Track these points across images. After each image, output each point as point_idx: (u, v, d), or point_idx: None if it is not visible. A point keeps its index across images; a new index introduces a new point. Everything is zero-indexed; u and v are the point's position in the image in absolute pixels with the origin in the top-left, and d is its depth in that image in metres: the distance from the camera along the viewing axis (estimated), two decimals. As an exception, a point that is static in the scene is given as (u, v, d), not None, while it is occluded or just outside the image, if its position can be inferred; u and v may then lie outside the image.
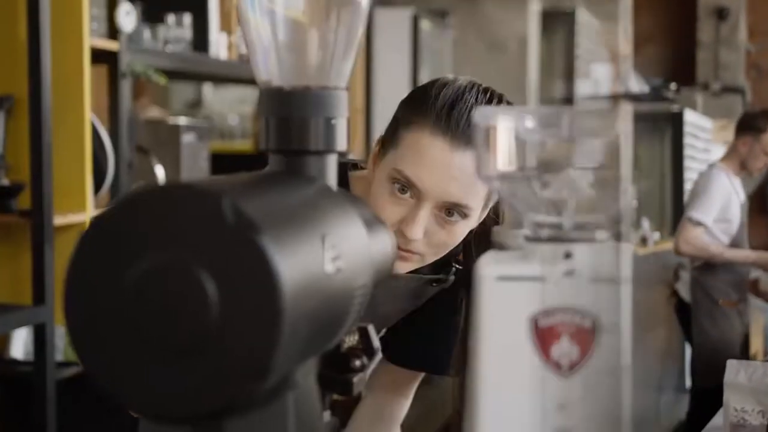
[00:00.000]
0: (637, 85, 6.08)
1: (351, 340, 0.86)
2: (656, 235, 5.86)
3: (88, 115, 2.48)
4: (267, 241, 0.60)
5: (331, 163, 0.80)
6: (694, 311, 4.34)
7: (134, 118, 3.39)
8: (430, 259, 1.33)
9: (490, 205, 1.36)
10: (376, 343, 0.87)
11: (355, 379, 0.84)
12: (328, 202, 0.74)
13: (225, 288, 0.60)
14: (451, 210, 1.28)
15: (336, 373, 0.85)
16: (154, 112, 4.50)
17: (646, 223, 6.06)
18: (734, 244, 4.33)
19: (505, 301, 0.68)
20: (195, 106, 5.52)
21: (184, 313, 0.60)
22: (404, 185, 1.28)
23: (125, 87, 2.68)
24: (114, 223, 0.62)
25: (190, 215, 0.61)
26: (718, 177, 4.34)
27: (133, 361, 0.62)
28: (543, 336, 0.67)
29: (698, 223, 4.22)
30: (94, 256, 0.62)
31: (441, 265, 1.47)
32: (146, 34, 2.89)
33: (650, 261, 5.15)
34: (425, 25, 5.11)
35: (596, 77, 5.76)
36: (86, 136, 2.46)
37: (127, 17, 2.63)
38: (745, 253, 4.38)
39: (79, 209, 2.47)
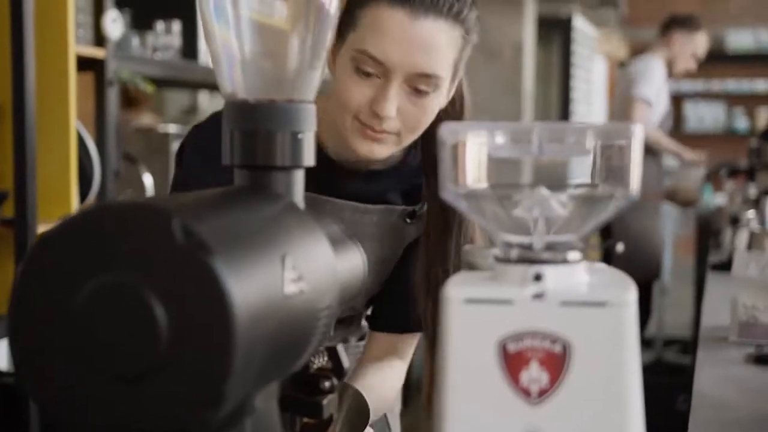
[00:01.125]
0: None
1: (320, 360, 0.83)
2: None
3: (74, 123, 2.45)
4: (219, 262, 0.57)
5: (299, 178, 0.77)
6: None
7: (124, 126, 3.37)
8: (406, 139, 1.30)
9: (459, 77, 1.34)
10: (346, 362, 0.85)
11: (325, 402, 0.82)
12: (292, 220, 0.72)
13: (175, 312, 0.57)
14: (420, 83, 1.25)
15: (305, 395, 0.82)
16: (147, 119, 4.48)
17: None
18: (661, 128, 4.36)
19: (473, 324, 0.65)
20: (190, 112, 5.50)
21: (133, 338, 0.57)
22: (369, 66, 1.25)
23: (112, 95, 2.65)
24: (61, 243, 0.59)
25: (139, 235, 0.58)
26: (658, 63, 4.37)
27: (81, 387, 0.59)
28: (512, 361, 0.64)
29: (646, 101, 4.21)
30: (41, 277, 0.60)
31: (412, 199, 1.43)
32: (134, 41, 2.86)
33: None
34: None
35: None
36: (71, 143, 2.43)
37: (114, 24, 2.60)
38: (679, 147, 4.45)
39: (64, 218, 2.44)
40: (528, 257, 0.66)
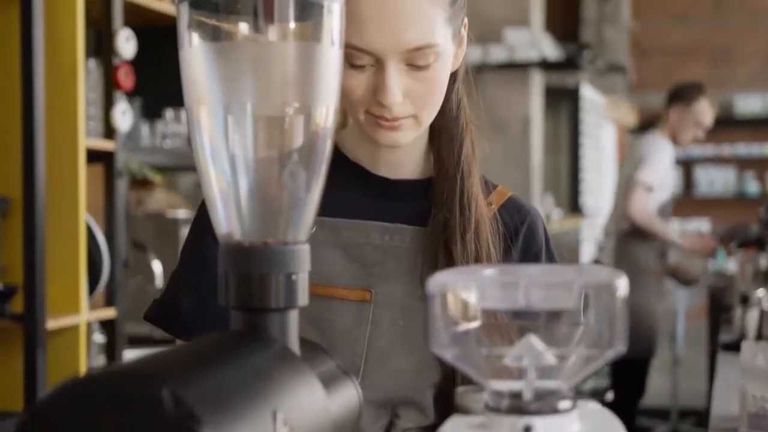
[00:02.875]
0: (551, 50, 5.87)
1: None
2: (558, 212, 5.93)
3: (83, 216, 2.47)
4: (208, 431, 0.58)
5: (293, 318, 0.79)
6: None
7: (135, 207, 3.39)
8: (426, 118, 1.21)
9: (460, 33, 1.24)
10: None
11: None
12: (284, 368, 0.72)
13: (164, 481, 0.58)
14: (418, 58, 1.15)
15: None
16: (160, 197, 4.51)
17: (549, 199, 6.04)
18: (660, 213, 4.34)
19: (464, 477, 0.65)
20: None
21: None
22: (358, 58, 1.15)
23: (121, 186, 2.68)
24: (51, 413, 0.60)
25: (129, 404, 0.59)
26: (663, 142, 4.37)
27: None
28: None
29: (648, 188, 4.20)
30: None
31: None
32: (144, 129, 2.90)
33: (557, 240, 5.38)
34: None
35: (511, 43, 5.57)
36: (81, 237, 2.45)
37: (123, 117, 2.64)
38: (680, 239, 4.42)
39: (73, 311, 2.45)
40: (518, 407, 0.67)
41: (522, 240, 1.31)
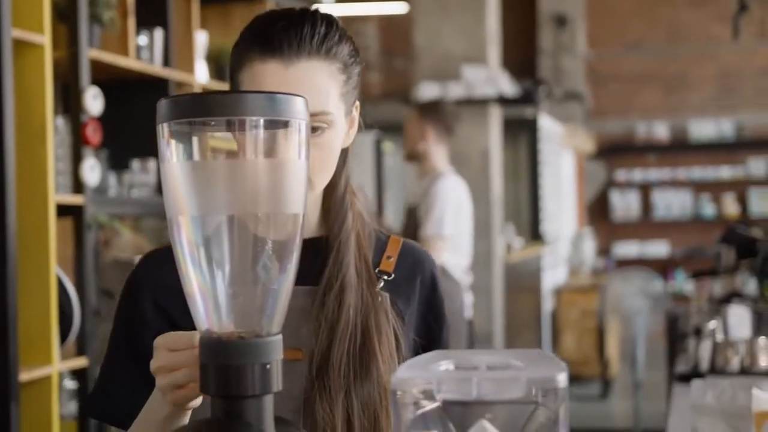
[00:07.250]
0: (508, 86, 5.93)
1: None
2: (519, 241, 6.24)
3: (54, 269, 2.53)
4: None
5: (268, 402, 0.87)
6: None
7: (101, 259, 3.44)
8: (318, 182, 1.27)
9: (354, 114, 1.33)
10: None
11: None
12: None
13: None
14: (311, 122, 1.16)
15: None
16: (126, 240, 4.53)
17: (510, 228, 6.19)
18: None
19: None
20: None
21: None
22: None
23: (90, 238, 2.74)
24: None
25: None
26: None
27: None
28: None
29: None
30: None
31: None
32: (112, 180, 2.96)
33: (519, 268, 5.95)
34: (387, 147, 5.22)
35: (469, 80, 5.62)
36: (52, 289, 2.51)
37: (92, 172, 2.70)
38: None
39: (45, 362, 2.51)
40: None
41: (420, 292, 1.37)
